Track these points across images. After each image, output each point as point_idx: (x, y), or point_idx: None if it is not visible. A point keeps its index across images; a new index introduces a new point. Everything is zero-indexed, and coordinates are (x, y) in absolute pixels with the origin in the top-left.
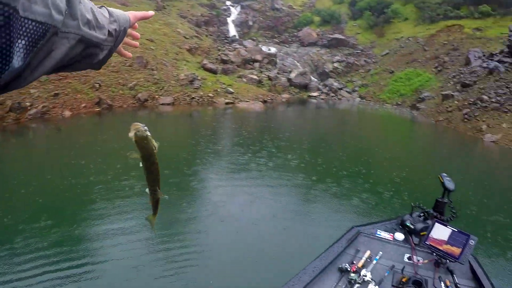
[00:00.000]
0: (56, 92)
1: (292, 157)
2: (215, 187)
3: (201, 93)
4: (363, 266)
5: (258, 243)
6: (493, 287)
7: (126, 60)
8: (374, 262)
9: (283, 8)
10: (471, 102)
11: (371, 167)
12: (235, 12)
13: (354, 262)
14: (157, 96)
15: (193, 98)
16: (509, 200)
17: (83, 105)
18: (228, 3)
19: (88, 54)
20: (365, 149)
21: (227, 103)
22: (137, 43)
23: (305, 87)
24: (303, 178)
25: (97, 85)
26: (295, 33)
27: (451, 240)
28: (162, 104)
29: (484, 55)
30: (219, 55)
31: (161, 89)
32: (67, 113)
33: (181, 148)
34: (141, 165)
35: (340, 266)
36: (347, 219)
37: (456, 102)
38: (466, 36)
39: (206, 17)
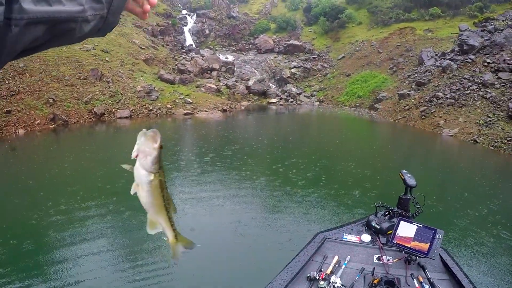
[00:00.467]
0: (9, 109)
1: (254, 165)
2: (177, 200)
3: (159, 104)
4: (332, 273)
5: (223, 256)
6: (466, 277)
7: (80, 73)
8: (343, 267)
9: (239, 16)
10: (427, 99)
11: (334, 169)
12: (191, 21)
13: (322, 269)
14: (114, 110)
15: (151, 110)
16: (470, 190)
17: (37, 122)
18: (184, 12)
19: (61, 31)
20: (327, 152)
21: (186, 114)
22: (148, 6)
23: (263, 94)
24: (266, 185)
25: (51, 100)
26: (252, 41)
27: (418, 236)
28: (120, 117)
29: (436, 55)
30: (176, 65)
31: (117, 102)
32: (21, 131)
33: None
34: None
35: (309, 275)
36: (312, 225)
37: (412, 100)
38: (418, 37)
39: (162, 27)
